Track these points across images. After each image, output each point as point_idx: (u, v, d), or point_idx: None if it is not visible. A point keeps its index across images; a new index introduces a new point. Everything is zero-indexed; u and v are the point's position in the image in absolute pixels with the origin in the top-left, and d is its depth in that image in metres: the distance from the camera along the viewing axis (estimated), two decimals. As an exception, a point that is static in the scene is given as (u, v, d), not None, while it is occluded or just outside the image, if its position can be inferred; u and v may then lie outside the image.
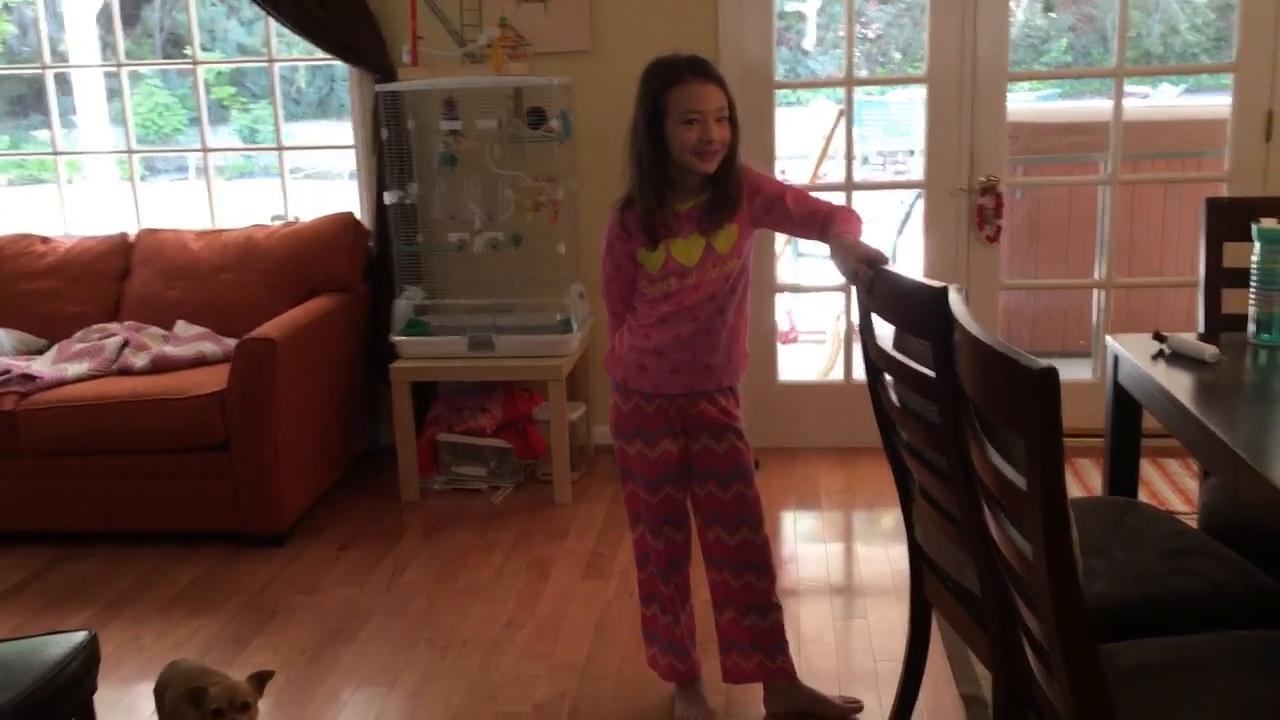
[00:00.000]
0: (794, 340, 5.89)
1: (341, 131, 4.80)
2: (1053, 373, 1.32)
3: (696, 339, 2.43)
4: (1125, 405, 2.46)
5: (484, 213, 4.05)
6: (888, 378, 2.09)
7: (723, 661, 2.60)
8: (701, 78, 2.33)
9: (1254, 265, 2.38)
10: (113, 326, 4.06)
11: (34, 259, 4.32)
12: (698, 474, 2.52)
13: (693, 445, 2.51)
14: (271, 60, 4.55)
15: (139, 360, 3.82)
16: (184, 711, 2.18)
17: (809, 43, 10.32)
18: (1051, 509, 1.36)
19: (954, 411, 1.71)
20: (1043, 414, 1.33)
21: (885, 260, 2.11)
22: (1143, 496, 2.72)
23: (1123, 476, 2.56)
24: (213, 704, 2.13)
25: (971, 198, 4.10)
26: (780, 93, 4.22)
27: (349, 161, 4.58)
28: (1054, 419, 1.32)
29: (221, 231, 4.36)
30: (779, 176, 4.33)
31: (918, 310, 1.80)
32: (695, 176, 2.37)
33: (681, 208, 2.40)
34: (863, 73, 8.25)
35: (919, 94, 4.51)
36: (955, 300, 1.67)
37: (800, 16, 9.98)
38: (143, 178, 4.87)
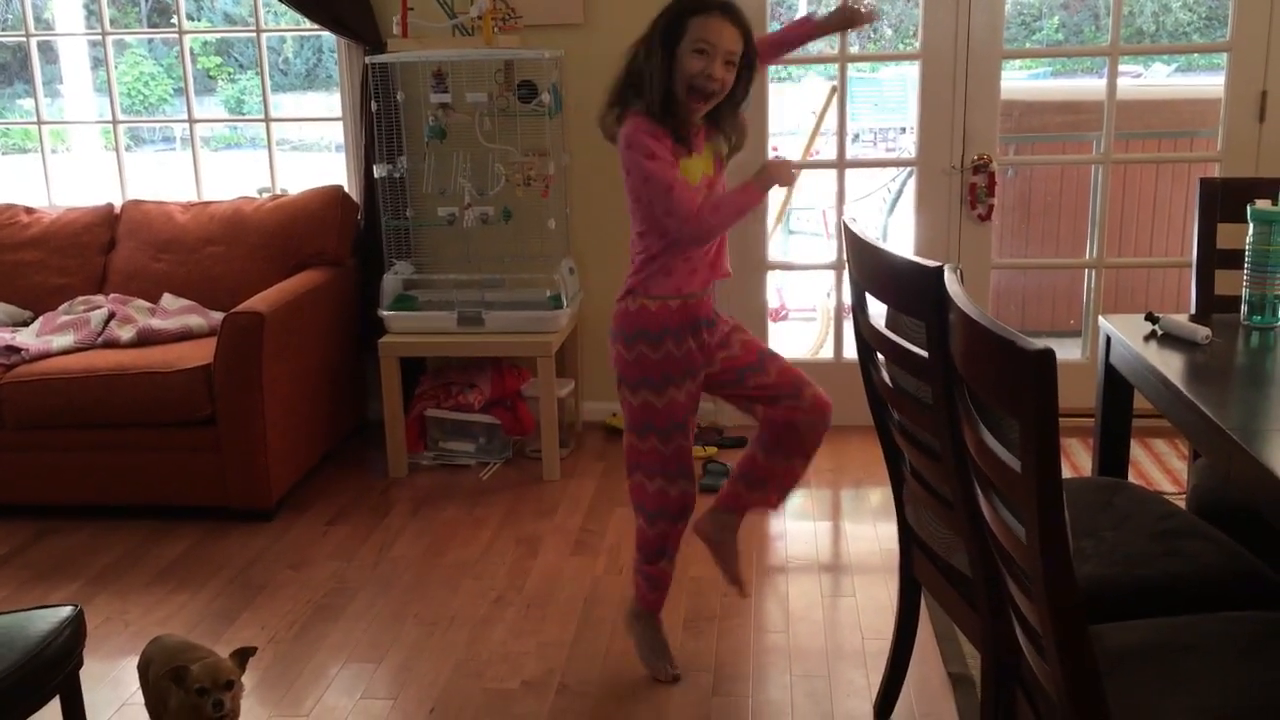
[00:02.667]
0: (784, 318, 5.88)
1: (329, 103, 4.76)
2: (1049, 354, 1.31)
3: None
4: (1117, 386, 2.46)
5: (474, 187, 4.02)
6: (879, 357, 2.08)
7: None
8: (726, 15, 2.37)
9: (1247, 247, 2.37)
10: (98, 299, 4.02)
11: (18, 230, 4.28)
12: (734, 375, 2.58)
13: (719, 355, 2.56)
14: (259, 30, 4.50)
15: (125, 333, 3.79)
16: (168, 689, 2.17)
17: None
18: (1046, 491, 1.35)
19: (947, 392, 1.70)
20: (1039, 396, 1.32)
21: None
22: (1131, 477, 2.73)
23: (1113, 457, 2.56)
24: (196, 683, 2.12)
25: (964, 176, 4.08)
26: (772, 68, 4.19)
27: (336, 134, 4.53)
28: (1050, 401, 1.31)
29: (208, 204, 4.33)
30: (771, 154, 4.33)
31: (912, 290, 1.78)
32: (692, 117, 2.42)
33: (697, 128, 2.46)
34: (855, 49, 8.21)
35: (911, 71, 4.49)
36: (950, 280, 1.66)
37: (793, -9, 9.92)
38: (128, 148, 4.83)
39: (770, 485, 2.60)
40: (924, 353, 1.76)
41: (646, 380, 2.53)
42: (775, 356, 2.62)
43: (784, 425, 2.54)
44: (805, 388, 2.56)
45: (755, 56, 2.44)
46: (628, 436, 2.62)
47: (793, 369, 2.60)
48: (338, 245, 4.12)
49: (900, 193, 5.98)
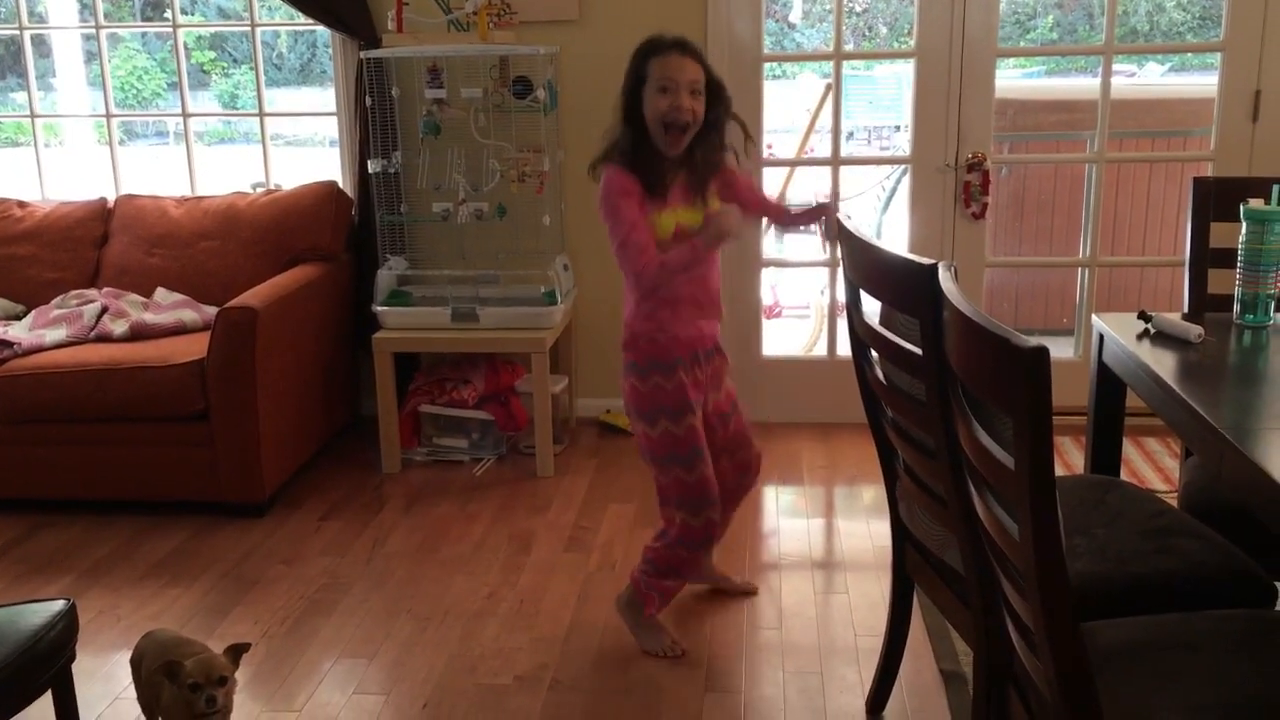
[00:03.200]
0: (778, 315, 5.88)
1: (324, 98, 4.75)
2: (1043, 352, 1.31)
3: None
4: (1109, 384, 2.46)
5: (468, 183, 4.02)
6: (873, 354, 2.08)
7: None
8: (681, 52, 2.49)
9: (1240, 246, 2.38)
10: (91, 293, 4.01)
11: (11, 223, 4.27)
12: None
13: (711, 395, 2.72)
14: (253, 24, 4.49)
15: (118, 327, 3.78)
16: (160, 684, 2.17)
17: (795, 16, 10.27)
18: (1039, 488, 1.36)
19: (941, 389, 1.70)
20: (1032, 394, 1.32)
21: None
22: (1123, 475, 2.73)
23: (1105, 455, 2.57)
24: (189, 678, 2.12)
25: (958, 174, 4.09)
26: (767, 66, 4.20)
27: (330, 129, 4.53)
28: (1044, 399, 1.32)
29: (202, 198, 4.32)
30: (766, 152, 4.33)
31: (907, 287, 1.79)
32: (672, 153, 2.51)
33: (678, 180, 2.55)
34: (849, 47, 8.22)
35: (905, 69, 4.49)
36: (945, 277, 1.66)
37: (787, -11, 9.93)
38: (121, 142, 4.81)
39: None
40: (918, 350, 1.76)
41: (659, 411, 2.63)
42: (740, 407, 2.80)
43: (747, 473, 2.82)
44: (751, 446, 2.79)
45: (720, 86, 2.54)
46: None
47: (747, 426, 2.81)
48: (332, 240, 4.11)
49: (894, 190, 5.98)
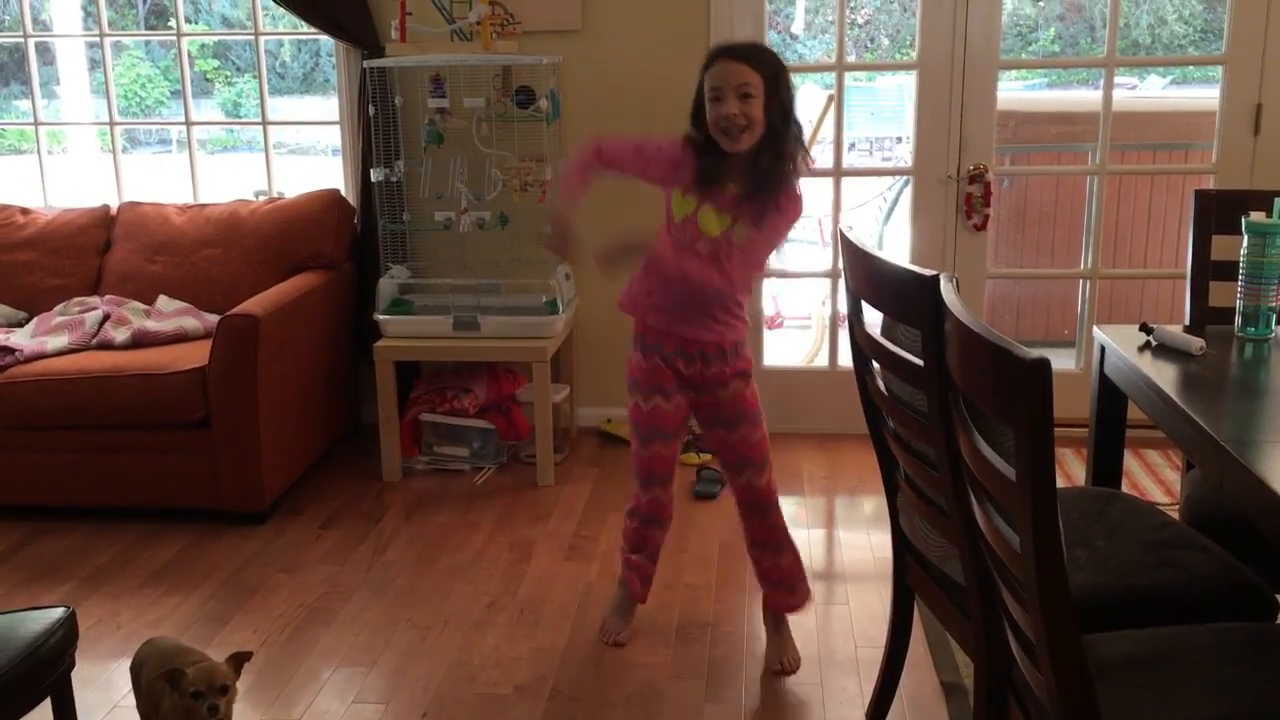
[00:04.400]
0: (779, 326, 5.88)
1: (327, 107, 4.76)
2: (1045, 364, 1.31)
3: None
4: (1111, 396, 2.46)
5: (471, 192, 4.02)
6: (875, 365, 2.08)
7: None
8: (729, 57, 2.47)
9: (1242, 258, 2.38)
10: (93, 300, 4.02)
11: (14, 230, 4.27)
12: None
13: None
14: (257, 33, 4.50)
15: (119, 334, 3.79)
16: (161, 692, 2.16)
17: (797, 27, 10.29)
18: (1041, 500, 1.36)
19: (942, 400, 1.70)
20: (1034, 405, 1.32)
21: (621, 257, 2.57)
22: (1124, 488, 2.73)
23: (1106, 467, 2.56)
24: (191, 687, 2.11)
25: (959, 185, 4.10)
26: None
27: (333, 137, 4.54)
28: (1046, 410, 1.32)
29: (204, 206, 4.32)
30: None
31: (908, 298, 1.79)
32: (738, 159, 2.48)
33: (729, 188, 2.51)
34: (851, 58, 8.24)
35: (907, 80, 4.50)
36: (946, 289, 1.66)
37: (789, 0, 9.96)
38: (124, 150, 4.82)
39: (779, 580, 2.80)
40: (919, 361, 1.76)
41: (634, 384, 2.71)
42: (751, 426, 2.68)
43: (739, 503, 2.77)
44: (746, 469, 2.70)
45: (785, 81, 2.49)
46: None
47: (754, 447, 2.69)
48: (334, 249, 4.12)
49: (896, 202, 5.99)
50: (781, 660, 2.73)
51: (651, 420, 2.68)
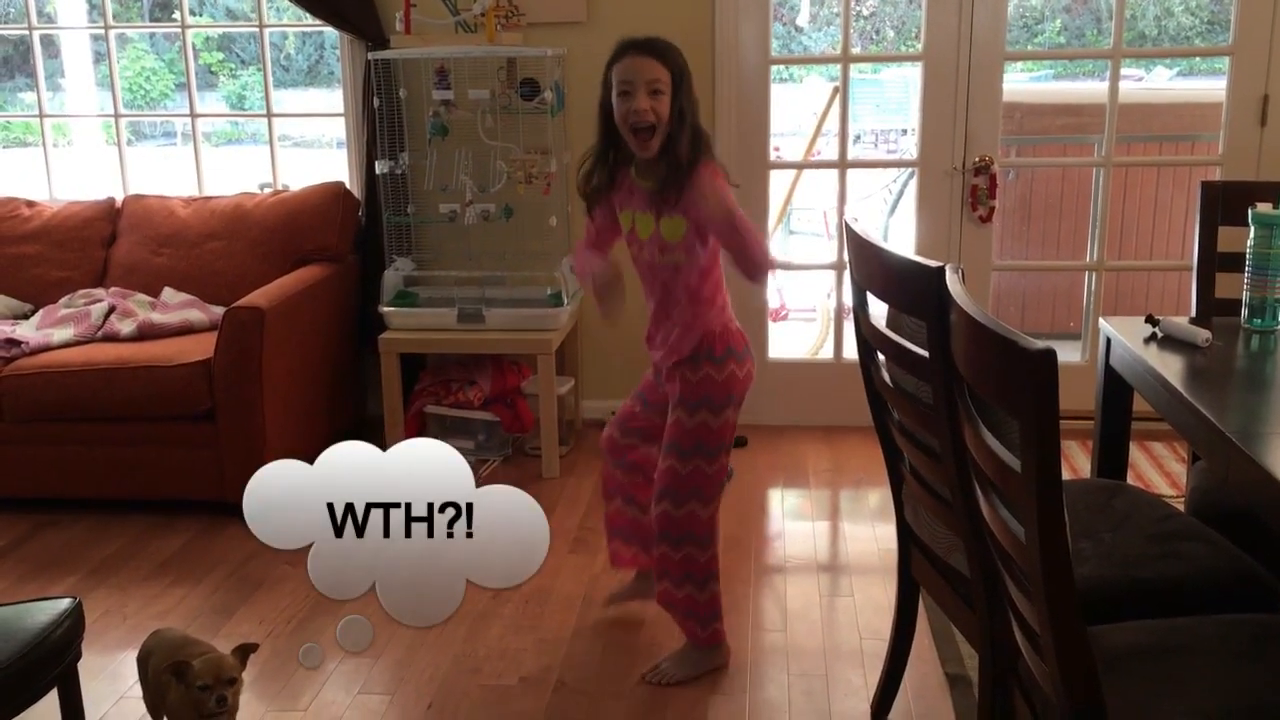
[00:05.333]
0: (784, 318, 5.88)
1: (331, 99, 4.76)
2: (1051, 354, 1.31)
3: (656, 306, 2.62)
4: (1116, 388, 2.46)
5: (475, 184, 4.02)
6: (880, 357, 2.08)
7: None
8: (639, 52, 2.43)
9: (1248, 250, 2.37)
10: (98, 292, 4.02)
11: (19, 223, 4.28)
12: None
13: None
14: (261, 26, 4.49)
15: (125, 327, 3.79)
16: (167, 683, 2.17)
17: (803, 19, 10.26)
18: (1046, 491, 1.36)
19: (947, 392, 1.70)
20: (1040, 396, 1.32)
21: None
22: (1129, 480, 2.73)
23: (1112, 459, 2.56)
24: (198, 679, 2.12)
25: (965, 177, 4.09)
26: (774, 69, 4.19)
27: (338, 130, 4.53)
28: (1051, 401, 1.31)
29: (209, 199, 4.32)
30: (773, 155, 4.33)
31: (914, 290, 1.79)
32: (647, 163, 2.48)
33: (643, 184, 2.51)
34: (857, 50, 8.22)
35: (913, 72, 4.49)
36: (952, 280, 1.66)
37: (795, -8, 9.92)
38: (129, 142, 4.82)
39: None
40: (925, 352, 1.76)
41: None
42: (672, 455, 2.58)
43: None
44: (659, 502, 2.60)
45: (689, 80, 2.46)
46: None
47: (666, 477, 2.59)
48: (339, 241, 4.12)
49: (901, 194, 5.98)
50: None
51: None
